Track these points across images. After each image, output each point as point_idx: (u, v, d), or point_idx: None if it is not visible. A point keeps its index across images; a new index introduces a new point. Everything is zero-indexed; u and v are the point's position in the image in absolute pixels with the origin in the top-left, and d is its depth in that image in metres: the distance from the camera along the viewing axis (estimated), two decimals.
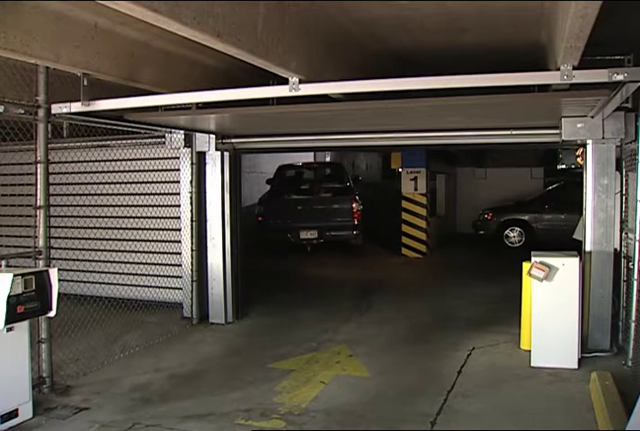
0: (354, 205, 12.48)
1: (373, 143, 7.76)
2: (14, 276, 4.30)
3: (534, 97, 4.97)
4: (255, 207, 12.95)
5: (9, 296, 4.24)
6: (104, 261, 8.68)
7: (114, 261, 8.62)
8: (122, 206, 8.38)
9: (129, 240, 8.45)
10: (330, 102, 5.36)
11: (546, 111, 5.86)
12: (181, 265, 7.93)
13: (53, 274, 4.70)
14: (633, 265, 5.41)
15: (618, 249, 6.25)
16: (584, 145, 6.24)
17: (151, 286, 8.21)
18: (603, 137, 6.01)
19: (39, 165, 5.18)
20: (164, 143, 7.67)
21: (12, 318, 4.32)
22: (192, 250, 7.70)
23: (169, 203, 8.10)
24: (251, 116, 5.97)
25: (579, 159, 13.31)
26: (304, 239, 12.38)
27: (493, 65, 4.56)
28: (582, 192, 6.31)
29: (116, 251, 8.61)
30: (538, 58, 5.30)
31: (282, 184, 13.53)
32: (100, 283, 8.30)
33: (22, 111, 5.05)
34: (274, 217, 12.52)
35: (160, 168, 8.10)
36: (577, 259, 5.72)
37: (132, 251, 8.50)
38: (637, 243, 5.29)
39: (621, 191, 6.22)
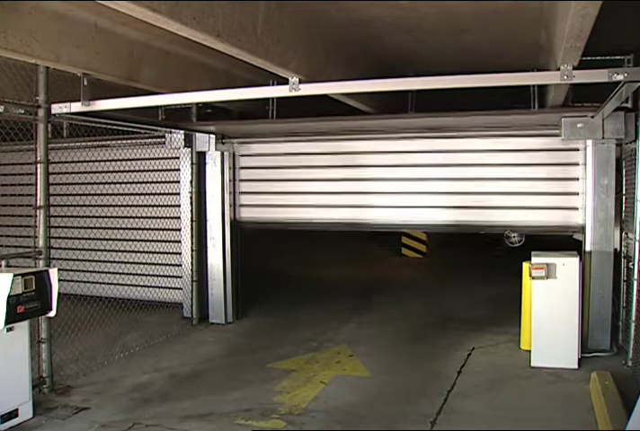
0: None
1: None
2: (14, 276, 4.30)
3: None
4: None
5: (9, 296, 4.25)
6: (104, 261, 8.68)
7: (114, 261, 8.61)
8: (122, 206, 8.37)
9: (129, 240, 8.44)
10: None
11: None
12: (181, 265, 7.93)
13: (53, 274, 4.69)
14: (633, 265, 5.41)
15: (618, 249, 6.25)
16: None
17: (151, 286, 8.20)
18: (603, 137, 6.01)
19: (39, 165, 5.19)
20: (164, 143, 7.67)
21: (12, 318, 4.32)
22: (192, 251, 7.71)
23: (169, 203, 8.10)
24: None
25: None
26: None
27: (494, 64, 4.56)
28: None
29: (116, 251, 8.61)
30: (538, 58, 5.31)
31: None
32: (100, 283, 8.29)
33: (22, 111, 5.05)
34: None
35: (160, 168, 8.10)
36: (577, 259, 5.71)
37: (132, 251, 8.50)
38: (637, 243, 5.29)
39: (621, 191, 6.22)
